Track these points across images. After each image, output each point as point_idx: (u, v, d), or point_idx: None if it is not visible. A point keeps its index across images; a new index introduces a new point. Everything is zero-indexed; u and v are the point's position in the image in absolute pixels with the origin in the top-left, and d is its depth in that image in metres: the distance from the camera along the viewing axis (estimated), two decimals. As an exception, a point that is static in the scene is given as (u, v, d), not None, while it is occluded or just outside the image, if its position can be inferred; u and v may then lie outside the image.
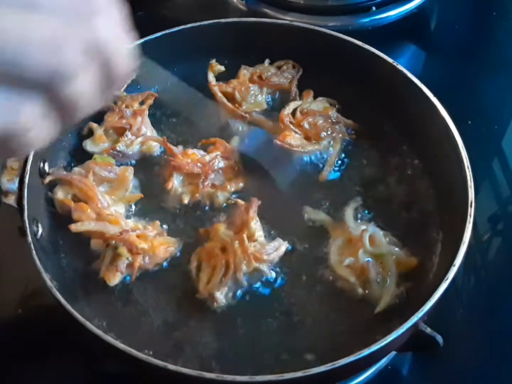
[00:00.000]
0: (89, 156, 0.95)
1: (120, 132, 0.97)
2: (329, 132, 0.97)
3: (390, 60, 0.97)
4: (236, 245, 0.82)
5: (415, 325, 0.72)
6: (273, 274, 0.85)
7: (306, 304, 0.84)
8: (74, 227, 0.84)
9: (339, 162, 0.97)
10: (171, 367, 0.68)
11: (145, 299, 0.84)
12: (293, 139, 0.95)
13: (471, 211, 0.80)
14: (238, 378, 0.68)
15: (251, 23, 1.04)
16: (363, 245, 0.84)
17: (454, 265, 0.75)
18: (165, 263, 0.87)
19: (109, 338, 0.71)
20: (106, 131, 0.97)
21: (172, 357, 0.77)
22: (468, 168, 0.84)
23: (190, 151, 0.94)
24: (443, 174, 0.91)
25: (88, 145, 0.96)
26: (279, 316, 0.83)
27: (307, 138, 0.97)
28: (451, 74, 1.22)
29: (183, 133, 1.01)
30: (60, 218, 0.89)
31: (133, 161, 0.97)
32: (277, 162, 0.93)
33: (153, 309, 0.83)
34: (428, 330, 0.76)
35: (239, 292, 0.83)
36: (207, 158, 0.93)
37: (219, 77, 1.05)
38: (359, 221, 0.90)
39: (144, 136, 0.97)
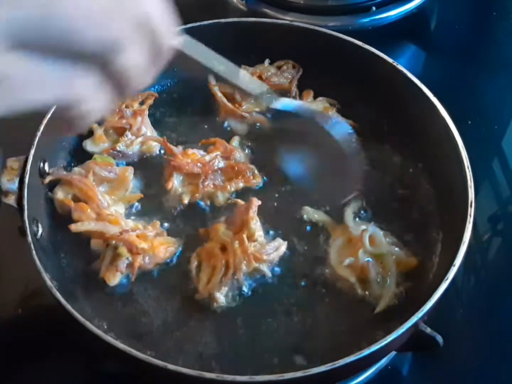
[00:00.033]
0: (89, 156, 0.95)
1: (120, 132, 0.97)
2: (329, 132, 0.97)
3: (390, 60, 0.97)
4: (236, 245, 0.82)
5: (415, 325, 0.72)
6: (273, 274, 0.85)
7: (306, 304, 0.83)
8: (74, 227, 0.84)
9: (339, 162, 0.97)
10: (171, 367, 0.68)
11: (145, 299, 0.84)
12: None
13: (471, 211, 0.80)
14: (238, 378, 0.68)
15: (251, 23, 1.04)
16: (363, 245, 0.84)
17: (454, 265, 0.75)
18: (165, 263, 0.87)
19: (109, 338, 0.71)
20: (106, 131, 0.97)
21: (172, 357, 0.77)
22: (468, 168, 0.84)
23: (190, 151, 0.93)
24: (443, 174, 0.91)
25: (88, 145, 0.96)
26: (279, 316, 0.82)
27: (307, 138, 0.97)
28: (451, 74, 1.21)
29: (183, 133, 1.01)
30: (60, 218, 0.89)
31: (133, 161, 0.97)
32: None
33: (153, 309, 0.83)
34: (428, 330, 0.76)
35: (239, 292, 0.83)
36: (207, 158, 0.93)
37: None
38: (359, 221, 0.90)
39: (144, 136, 0.97)
